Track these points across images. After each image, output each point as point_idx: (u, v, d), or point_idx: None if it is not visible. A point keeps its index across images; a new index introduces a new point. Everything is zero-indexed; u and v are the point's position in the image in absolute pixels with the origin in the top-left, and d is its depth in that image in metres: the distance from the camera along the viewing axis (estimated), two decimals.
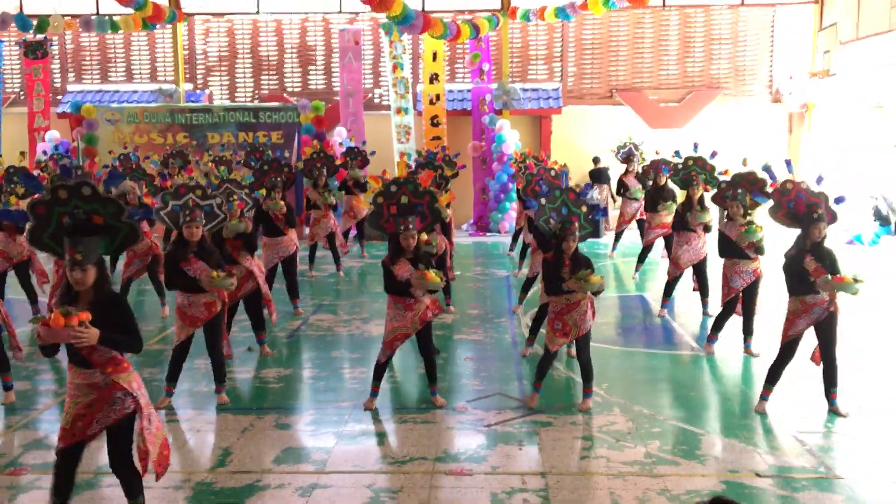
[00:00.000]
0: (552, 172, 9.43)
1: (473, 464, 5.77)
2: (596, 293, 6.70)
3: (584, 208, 6.87)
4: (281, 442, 6.26)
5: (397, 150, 18.21)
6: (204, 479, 5.58)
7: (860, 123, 16.19)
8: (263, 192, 9.86)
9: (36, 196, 4.64)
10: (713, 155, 10.50)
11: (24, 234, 8.98)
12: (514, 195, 16.82)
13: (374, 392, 6.99)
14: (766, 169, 7.96)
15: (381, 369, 6.95)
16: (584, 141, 18.64)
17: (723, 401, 7.26)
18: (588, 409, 6.78)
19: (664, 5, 19.32)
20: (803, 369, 7.90)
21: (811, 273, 6.35)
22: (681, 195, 12.20)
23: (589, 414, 6.73)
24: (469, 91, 18.97)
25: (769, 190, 8.24)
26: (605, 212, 11.01)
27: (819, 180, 7.23)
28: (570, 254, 6.67)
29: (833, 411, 6.62)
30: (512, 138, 17.89)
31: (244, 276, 8.20)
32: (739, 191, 8.31)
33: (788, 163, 7.52)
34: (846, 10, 17.23)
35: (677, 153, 11.03)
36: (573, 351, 8.23)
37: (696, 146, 11.18)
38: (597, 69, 19.81)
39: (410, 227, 6.59)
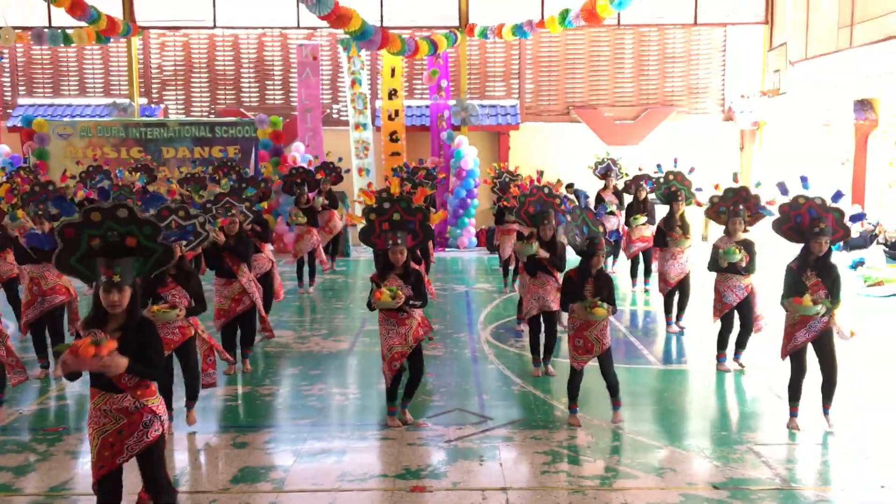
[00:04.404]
0: (546, 190, 9.11)
1: (434, 480, 5.74)
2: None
3: (602, 228, 6.77)
4: (238, 461, 6.16)
5: (356, 166, 18.18)
6: None
7: (809, 141, 16.60)
8: (265, 205, 9.77)
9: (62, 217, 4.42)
10: (691, 171, 10.55)
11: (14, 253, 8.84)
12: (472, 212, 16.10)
13: (391, 412, 6.86)
14: (780, 185, 7.47)
15: (390, 392, 6.80)
16: (541, 157, 18.77)
17: (682, 414, 7.33)
18: (621, 422, 6.79)
19: (619, 24, 19.63)
20: (758, 382, 8.03)
21: (809, 287, 6.35)
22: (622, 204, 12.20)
23: (550, 429, 6.75)
24: (427, 107, 19.03)
25: (765, 205, 8.22)
26: (618, 233, 11.02)
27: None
28: (594, 271, 6.61)
29: (827, 423, 6.63)
30: (470, 154, 17.96)
31: (240, 292, 8.21)
32: (741, 206, 8.21)
33: (805, 179, 7.08)
34: (795, 31, 17.67)
35: (659, 167, 11.00)
36: (551, 369, 8.26)
37: (675, 161, 11.16)
38: (554, 86, 20.02)
39: (399, 242, 6.50)
